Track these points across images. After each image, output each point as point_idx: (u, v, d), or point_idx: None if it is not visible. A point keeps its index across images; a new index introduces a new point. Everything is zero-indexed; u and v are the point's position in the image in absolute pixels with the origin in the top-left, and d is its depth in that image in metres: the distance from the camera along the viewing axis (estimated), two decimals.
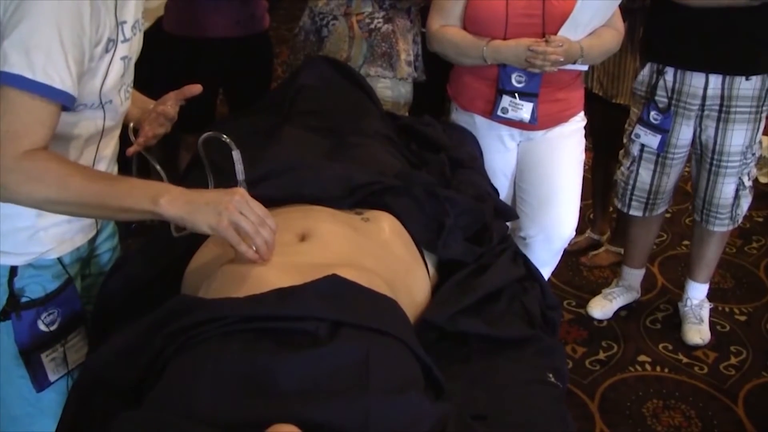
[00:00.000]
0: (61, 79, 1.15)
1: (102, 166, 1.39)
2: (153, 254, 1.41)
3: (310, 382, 0.97)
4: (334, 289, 1.11)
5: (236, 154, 1.30)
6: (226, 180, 1.55)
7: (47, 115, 1.16)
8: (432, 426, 0.98)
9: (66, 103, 1.18)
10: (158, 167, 1.48)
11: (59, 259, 1.37)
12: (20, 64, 1.12)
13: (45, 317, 1.36)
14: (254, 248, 1.16)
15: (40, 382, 1.38)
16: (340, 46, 2.30)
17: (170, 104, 1.47)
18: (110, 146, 1.41)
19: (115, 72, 1.30)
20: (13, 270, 1.32)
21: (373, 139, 1.76)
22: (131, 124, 1.48)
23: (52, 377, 1.40)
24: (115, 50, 1.28)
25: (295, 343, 1.02)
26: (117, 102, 1.36)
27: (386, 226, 1.42)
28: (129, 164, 1.49)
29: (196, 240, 1.35)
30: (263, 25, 2.57)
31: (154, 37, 2.46)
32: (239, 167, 1.31)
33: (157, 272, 1.37)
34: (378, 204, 1.47)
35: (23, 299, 1.33)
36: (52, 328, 1.37)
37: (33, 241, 1.31)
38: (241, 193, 1.16)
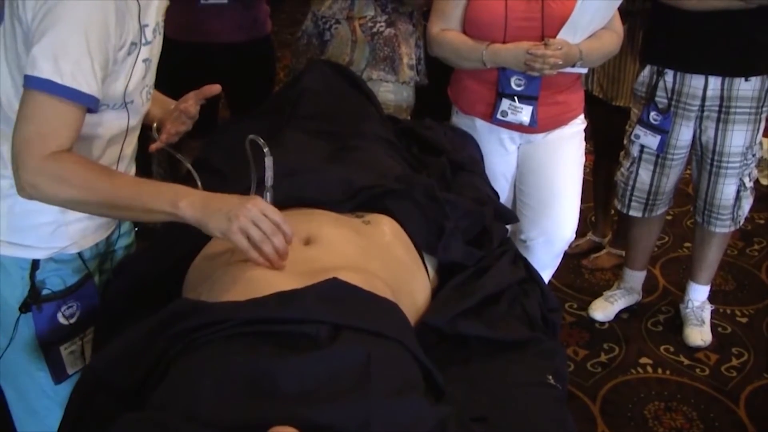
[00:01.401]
0: (87, 83, 1.19)
1: (123, 165, 1.44)
2: (156, 256, 1.42)
3: (311, 385, 0.98)
4: (334, 292, 1.12)
5: (269, 161, 1.32)
6: (229, 184, 1.57)
7: (73, 117, 1.20)
8: (432, 428, 0.99)
9: (91, 105, 1.23)
10: (184, 161, 1.53)
11: (80, 254, 1.42)
12: (49, 70, 1.16)
13: (65, 310, 1.41)
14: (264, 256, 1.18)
15: (58, 374, 1.43)
16: (342, 50, 2.31)
17: (191, 103, 1.51)
18: (132, 145, 1.46)
19: (137, 74, 1.34)
20: (35, 263, 1.37)
21: (374, 143, 1.77)
22: (155, 124, 1.52)
23: (70, 370, 1.44)
24: (138, 53, 1.32)
25: (296, 346, 1.03)
26: (138, 103, 1.40)
27: (387, 229, 1.43)
28: (147, 163, 1.53)
29: (199, 243, 1.36)
30: (265, 29, 2.58)
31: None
32: (269, 173, 1.32)
33: (160, 274, 1.38)
34: (378, 207, 1.48)
35: (44, 292, 1.38)
36: (72, 321, 1.42)
37: (55, 235, 1.35)
38: (255, 202, 1.18)
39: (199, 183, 1.48)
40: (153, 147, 1.51)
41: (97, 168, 1.24)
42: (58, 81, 1.16)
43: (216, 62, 2.45)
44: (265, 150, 1.32)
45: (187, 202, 1.18)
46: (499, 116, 2.05)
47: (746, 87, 2.24)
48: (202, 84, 1.55)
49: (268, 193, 1.32)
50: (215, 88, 1.49)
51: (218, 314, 1.06)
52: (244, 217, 1.16)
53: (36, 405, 1.46)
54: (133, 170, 1.51)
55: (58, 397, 1.44)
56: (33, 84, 1.17)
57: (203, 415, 0.94)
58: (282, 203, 1.44)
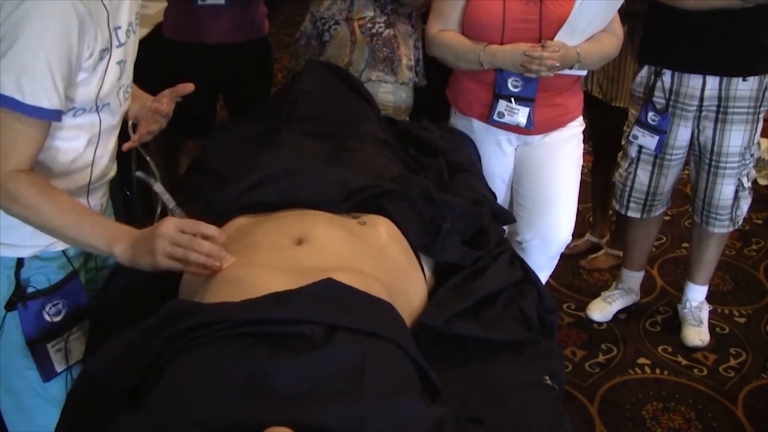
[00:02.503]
0: (48, 99, 1.22)
1: (103, 162, 1.45)
2: None
3: (307, 386, 0.98)
4: (330, 292, 1.12)
5: (158, 187, 1.43)
6: (227, 184, 1.57)
7: (35, 133, 1.25)
8: (428, 429, 0.99)
9: (53, 118, 1.26)
10: (152, 164, 1.55)
11: (64, 252, 1.43)
12: (11, 87, 1.19)
13: (49, 308, 1.42)
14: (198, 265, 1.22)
15: (46, 372, 1.44)
16: (341, 51, 2.31)
17: (165, 101, 1.53)
18: (110, 144, 1.47)
19: (111, 77, 1.36)
20: (20, 262, 1.39)
21: (371, 144, 1.77)
22: (130, 121, 1.54)
23: (58, 368, 1.45)
24: (110, 57, 1.34)
25: (291, 346, 1.03)
26: (115, 104, 1.41)
27: (383, 230, 1.43)
28: (128, 159, 1.56)
29: None
30: (263, 30, 2.58)
31: (154, 43, 2.49)
32: (165, 197, 1.42)
33: (155, 276, 1.38)
34: (375, 208, 1.48)
35: (29, 290, 1.40)
36: (57, 319, 1.43)
37: (37, 234, 1.36)
38: (165, 225, 1.22)
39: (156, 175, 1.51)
40: (125, 146, 1.52)
41: (48, 194, 1.26)
42: (20, 99, 1.20)
43: (213, 63, 2.45)
44: (151, 182, 1.42)
45: (119, 249, 1.24)
46: (495, 117, 2.05)
47: (744, 87, 2.25)
48: (199, 85, 1.55)
49: (176, 212, 1.40)
50: (189, 87, 1.51)
51: (213, 315, 1.07)
52: (161, 244, 1.20)
53: (27, 404, 1.47)
54: (113, 170, 1.53)
55: (48, 394, 1.46)
56: None
57: (199, 416, 0.94)
58: (278, 204, 1.45)
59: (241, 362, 1.00)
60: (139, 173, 1.46)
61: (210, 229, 1.23)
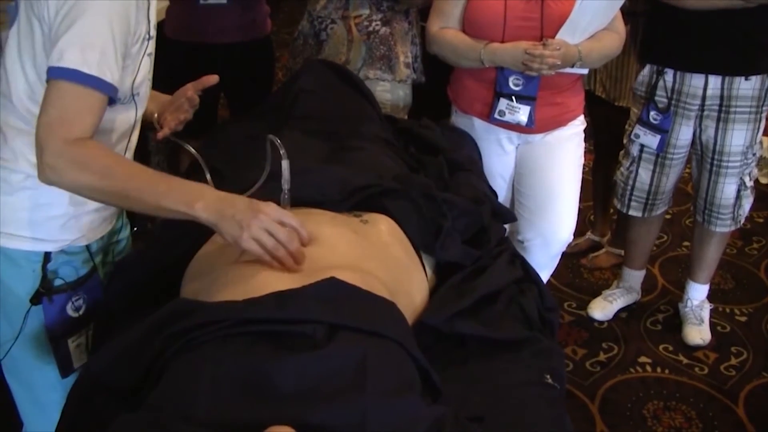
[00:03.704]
0: (111, 73, 1.24)
1: (129, 156, 1.47)
2: (152, 257, 1.42)
3: (308, 385, 0.98)
4: (332, 292, 1.12)
5: (285, 163, 1.33)
6: (227, 184, 1.57)
7: (97, 105, 1.24)
8: (429, 428, 0.99)
9: (112, 95, 1.27)
10: (190, 148, 1.59)
11: (87, 247, 1.45)
12: (76, 60, 1.19)
13: (74, 302, 1.43)
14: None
15: (65, 368, 1.44)
16: (338, 50, 2.31)
17: (191, 93, 1.56)
18: (135, 137, 1.50)
19: (144, 67, 1.39)
20: (47, 256, 1.39)
21: (372, 143, 1.77)
22: (155, 115, 1.56)
23: (76, 364, 1.46)
24: (146, 47, 1.37)
25: (293, 346, 1.03)
26: (144, 96, 1.45)
27: (384, 229, 1.43)
28: (146, 162, 1.57)
29: (196, 243, 1.37)
30: (265, 29, 2.58)
31: (156, 42, 2.49)
32: (286, 175, 1.34)
33: (157, 275, 1.39)
34: (376, 207, 1.48)
35: (56, 282, 1.40)
36: (79, 313, 1.44)
37: (66, 228, 1.39)
38: (267, 211, 1.19)
39: (208, 175, 1.52)
40: (160, 135, 1.55)
41: (117, 157, 1.27)
42: (85, 70, 1.20)
43: (215, 62, 2.44)
44: (282, 152, 1.33)
45: (202, 205, 1.19)
46: (496, 116, 2.05)
47: (746, 86, 2.24)
48: None
49: (285, 197, 1.34)
50: (213, 78, 1.53)
51: (215, 314, 1.07)
52: (256, 227, 1.17)
53: (44, 399, 1.48)
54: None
55: (66, 390, 1.44)
56: (58, 74, 1.20)
57: (200, 415, 0.94)
58: (279, 203, 1.45)
59: (243, 361, 1.01)
60: (271, 136, 1.37)
61: (306, 232, 1.22)
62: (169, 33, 2.51)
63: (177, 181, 1.24)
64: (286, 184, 1.33)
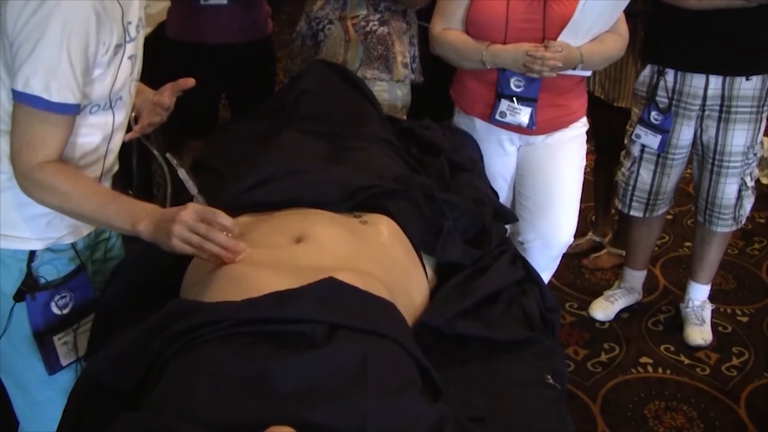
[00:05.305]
0: (73, 94, 1.29)
1: (111, 157, 1.50)
2: (152, 258, 1.42)
3: (308, 385, 0.98)
4: (331, 292, 1.12)
5: (182, 173, 1.45)
6: (228, 183, 1.57)
7: (62, 129, 1.31)
8: (429, 428, 0.99)
9: (77, 113, 1.33)
10: (156, 152, 1.60)
11: (73, 245, 1.47)
12: (39, 87, 1.25)
13: (58, 300, 1.45)
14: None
15: (52, 365, 1.46)
16: (336, 50, 2.31)
17: (166, 95, 1.58)
18: (119, 139, 1.52)
19: (124, 71, 1.40)
20: (32, 254, 1.42)
21: (373, 143, 1.77)
22: (132, 114, 1.58)
23: (63, 362, 1.48)
24: (123, 52, 1.38)
25: (292, 346, 1.03)
26: (127, 98, 1.47)
27: (384, 229, 1.43)
28: (147, 162, 1.63)
29: None
30: (266, 30, 2.58)
31: (157, 43, 2.49)
32: (189, 184, 1.44)
33: (156, 276, 1.39)
34: (376, 207, 1.48)
35: (40, 281, 1.43)
36: (65, 311, 1.46)
37: (50, 227, 1.41)
38: (187, 210, 1.25)
39: (182, 172, 1.53)
40: (127, 137, 1.57)
41: (73, 181, 1.32)
42: (47, 98, 1.25)
43: (216, 63, 2.45)
44: (174, 163, 1.45)
45: (143, 225, 1.29)
46: (497, 117, 2.05)
47: (747, 86, 2.24)
48: (201, 85, 1.57)
49: (198, 198, 1.41)
50: (190, 81, 1.56)
51: (214, 314, 1.07)
52: (179, 228, 1.23)
53: (38, 397, 1.50)
54: (116, 165, 1.56)
55: (59, 386, 1.48)
56: (24, 99, 1.26)
57: (200, 416, 0.94)
58: (279, 204, 1.45)
59: (242, 361, 1.01)
60: (168, 155, 1.50)
61: (227, 221, 1.26)
62: (170, 33, 2.51)
63: (126, 203, 1.34)
64: (193, 190, 1.44)
